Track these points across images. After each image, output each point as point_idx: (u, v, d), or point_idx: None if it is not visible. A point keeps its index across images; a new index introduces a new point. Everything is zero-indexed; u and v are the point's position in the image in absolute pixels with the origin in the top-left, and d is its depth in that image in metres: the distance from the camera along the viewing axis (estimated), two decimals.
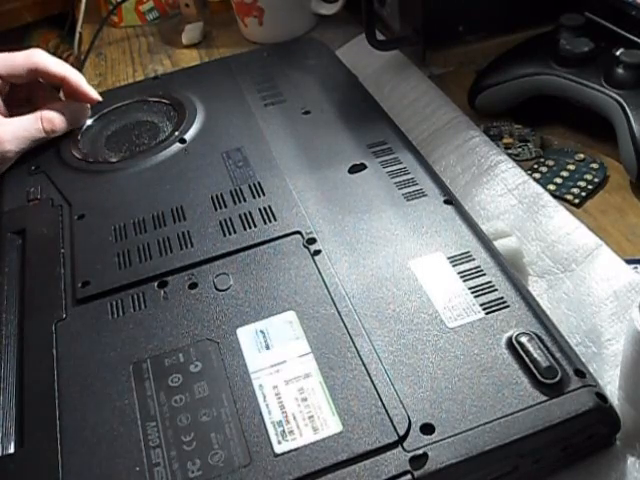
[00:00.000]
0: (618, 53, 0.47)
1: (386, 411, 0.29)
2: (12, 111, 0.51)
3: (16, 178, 0.48)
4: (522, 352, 0.31)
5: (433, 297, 0.34)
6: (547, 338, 0.31)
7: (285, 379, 0.31)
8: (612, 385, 0.32)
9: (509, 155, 0.48)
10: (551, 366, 0.30)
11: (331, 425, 0.29)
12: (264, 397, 0.31)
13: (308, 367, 0.32)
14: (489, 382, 0.30)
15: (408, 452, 0.28)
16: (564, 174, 0.48)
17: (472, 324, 0.32)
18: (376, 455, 0.28)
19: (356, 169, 0.43)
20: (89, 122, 0.53)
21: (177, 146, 0.48)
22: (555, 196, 0.45)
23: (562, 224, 0.41)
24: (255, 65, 0.57)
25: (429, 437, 0.28)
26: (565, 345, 0.31)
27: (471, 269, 0.35)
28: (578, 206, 0.45)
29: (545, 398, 0.29)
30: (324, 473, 0.28)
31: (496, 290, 0.34)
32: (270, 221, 0.40)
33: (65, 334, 0.36)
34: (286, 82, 0.54)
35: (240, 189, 0.43)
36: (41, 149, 0.50)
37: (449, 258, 0.36)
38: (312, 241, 0.38)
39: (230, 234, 0.40)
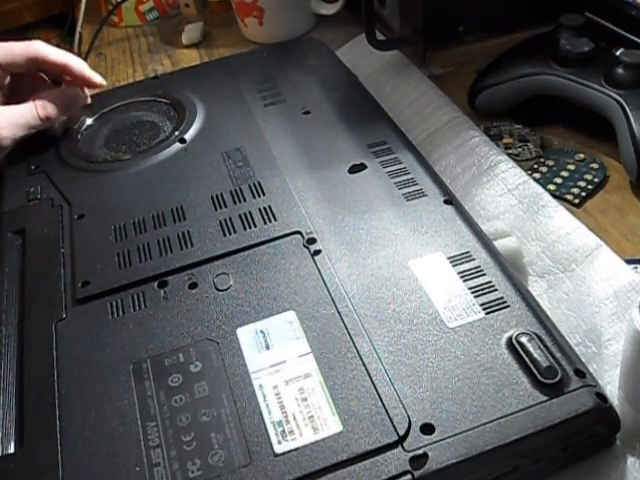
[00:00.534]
0: (618, 53, 0.47)
1: (386, 411, 0.29)
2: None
3: (16, 178, 0.48)
4: (522, 352, 0.31)
5: (433, 297, 0.34)
6: (547, 338, 0.31)
7: (285, 379, 0.31)
8: (612, 385, 0.32)
9: (509, 155, 0.48)
10: (551, 366, 0.30)
11: (331, 425, 0.29)
12: (264, 397, 0.31)
13: (308, 367, 0.32)
14: (489, 382, 0.30)
15: (408, 452, 0.28)
16: (564, 174, 0.48)
17: (472, 324, 0.32)
18: (376, 455, 0.28)
19: (356, 169, 0.43)
20: (89, 122, 0.53)
21: (177, 146, 0.48)
22: (555, 196, 0.45)
23: (562, 224, 0.41)
24: (255, 65, 0.57)
25: (429, 437, 0.28)
26: (565, 345, 0.31)
27: (471, 269, 0.35)
28: (578, 206, 0.45)
29: (545, 398, 0.29)
30: (324, 473, 0.28)
31: (496, 290, 0.34)
32: (270, 221, 0.40)
33: (65, 334, 0.36)
34: (286, 82, 0.54)
35: (240, 189, 0.43)
36: (41, 149, 0.50)
37: (449, 258, 0.36)
38: (312, 241, 0.38)
39: (230, 234, 0.40)
